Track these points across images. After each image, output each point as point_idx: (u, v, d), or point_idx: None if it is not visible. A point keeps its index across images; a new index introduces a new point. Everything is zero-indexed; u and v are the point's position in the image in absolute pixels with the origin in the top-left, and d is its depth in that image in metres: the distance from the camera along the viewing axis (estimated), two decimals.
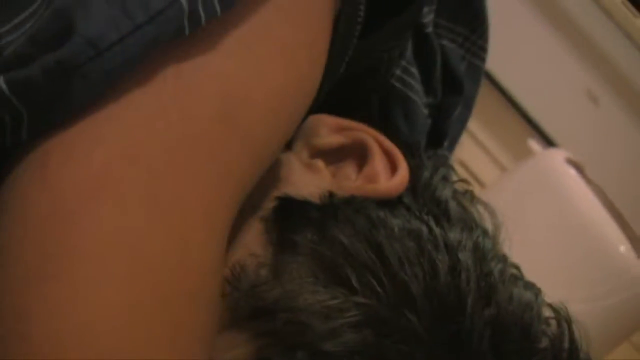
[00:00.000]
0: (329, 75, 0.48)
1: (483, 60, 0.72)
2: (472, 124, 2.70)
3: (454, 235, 0.50)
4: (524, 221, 2.09)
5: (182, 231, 0.38)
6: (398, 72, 0.60)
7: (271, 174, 0.48)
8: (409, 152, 0.56)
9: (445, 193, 0.54)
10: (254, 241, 0.48)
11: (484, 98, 2.53)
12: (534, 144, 2.27)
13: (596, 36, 2.50)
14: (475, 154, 2.76)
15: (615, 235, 1.99)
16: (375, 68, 0.57)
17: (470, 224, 0.52)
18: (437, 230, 0.49)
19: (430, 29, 0.61)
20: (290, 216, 0.48)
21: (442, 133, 0.68)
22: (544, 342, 0.49)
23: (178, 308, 0.38)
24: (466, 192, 0.58)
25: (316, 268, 0.46)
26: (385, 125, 0.59)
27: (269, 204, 0.49)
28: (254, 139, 0.42)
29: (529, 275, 1.87)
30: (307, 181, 0.50)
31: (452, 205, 0.53)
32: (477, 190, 2.22)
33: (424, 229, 0.49)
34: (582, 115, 2.63)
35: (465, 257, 0.49)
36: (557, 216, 2.05)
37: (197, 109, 0.39)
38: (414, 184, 0.53)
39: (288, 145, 0.52)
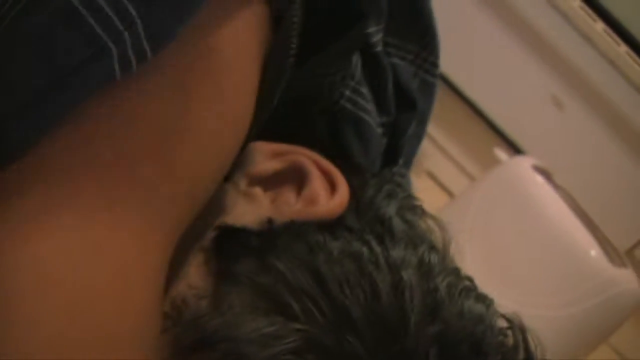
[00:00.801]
0: (264, 106, 0.48)
1: (435, 76, 0.71)
2: (439, 135, 2.74)
3: (397, 253, 0.49)
4: (494, 230, 2.10)
5: (118, 271, 0.38)
6: (348, 92, 0.59)
7: (212, 205, 0.47)
8: (351, 171, 0.55)
9: (389, 210, 0.53)
10: (194, 273, 0.47)
11: (449, 109, 2.56)
12: (501, 153, 2.28)
13: (557, 42, 2.52)
14: (443, 164, 2.76)
15: (586, 240, 2.00)
16: (318, 92, 0.56)
17: (415, 240, 0.51)
18: (378, 249, 0.48)
19: (379, 48, 0.60)
20: (229, 245, 0.47)
21: (398, 151, 0.67)
22: (498, 356, 0.48)
23: (117, 348, 0.38)
24: (415, 207, 0.57)
25: (255, 297, 0.45)
26: (336, 148, 0.58)
27: (210, 235, 0.48)
28: (188, 176, 0.41)
29: (499, 283, 1.87)
30: (246, 210, 0.49)
31: (396, 222, 0.52)
32: (445, 200, 2.23)
33: (365, 249, 0.48)
34: (547, 122, 2.64)
35: (408, 274, 0.47)
36: (526, 224, 2.05)
37: (130, 149, 0.39)
38: (357, 203, 0.52)
39: (228, 176, 0.51)
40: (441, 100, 2.46)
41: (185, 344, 0.44)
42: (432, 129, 2.59)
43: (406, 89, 0.65)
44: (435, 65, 0.69)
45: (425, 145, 2.67)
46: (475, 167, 2.73)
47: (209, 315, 0.44)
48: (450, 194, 2.74)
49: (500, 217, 2.10)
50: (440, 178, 2.79)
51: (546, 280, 2.02)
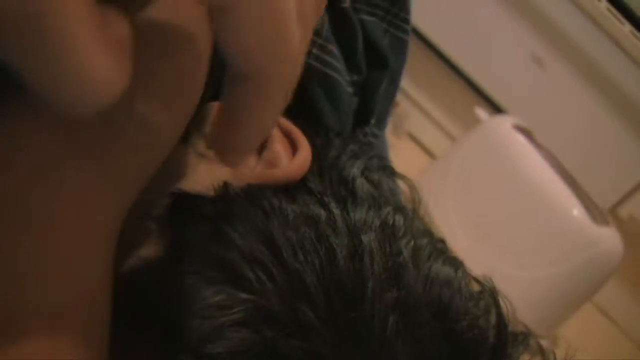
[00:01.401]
0: (222, 64, 0.44)
1: (406, 32, 0.68)
2: (419, 96, 2.73)
3: (358, 215, 0.46)
4: (476, 190, 2.09)
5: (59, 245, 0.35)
6: (315, 50, 0.56)
7: (167, 170, 0.44)
8: (316, 131, 0.53)
9: (353, 171, 0.50)
10: (146, 243, 0.44)
11: (429, 70, 2.54)
12: (481, 112, 2.26)
13: None
14: (424, 126, 2.75)
15: (568, 199, 1.99)
16: None
17: (379, 202, 0.49)
18: (337, 212, 0.45)
19: (347, 4, 0.57)
20: (184, 213, 0.45)
21: (369, 110, 0.65)
22: (466, 321, 0.46)
23: (60, 319, 0.36)
24: (383, 167, 0.54)
25: (207, 267, 0.42)
26: (305, 108, 0.55)
27: (163, 202, 0.45)
28: (136, 144, 0.38)
29: (483, 244, 1.87)
30: (203, 173, 0.46)
31: (360, 183, 0.49)
32: (427, 162, 2.22)
33: (323, 212, 0.45)
34: (528, 80, 2.63)
35: (369, 238, 0.45)
36: (508, 183, 2.04)
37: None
38: (320, 165, 0.49)
39: (185, 138, 0.48)
40: (421, 61, 2.46)
41: (134, 318, 0.42)
42: (412, 90, 2.60)
43: (377, 46, 0.63)
44: (406, 21, 0.67)
45: (406, 106, 2.68)
46: (456, 128, 2.72)
47: (158, 288, 0.42)
48: (431, 155, 2.74)
49: (481, 177, 2.09)
50: (422, 139, 2.78)
51: (528, 240, 2.02)
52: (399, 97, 2.62)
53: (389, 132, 2.26)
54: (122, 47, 0.26)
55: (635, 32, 2.47)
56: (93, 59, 0.24)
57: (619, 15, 2.47)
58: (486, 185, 2.08)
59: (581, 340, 2.39)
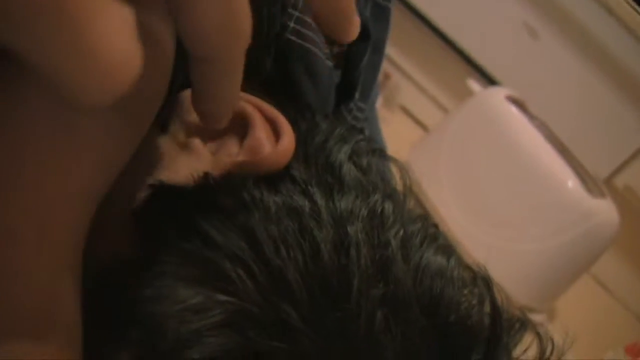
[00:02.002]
0: None
1: None
2: (411, 69, 2.71)
3: (345, 205, 0.44)
4: (470, 163, 2.07)
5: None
6: (291, 24, 0.53)
7: (145, 161, 0.42)
8: (301, 114, 0.50)
9: (340, 157, 0.48)
10: (122, 238, 0.42)
11: (421, 41, 2.52)
12: (474, 84, 2.25)
13: None
14: (416, 98, 2.74)
15: (563, 171, 1.98)
16: (258, 26, 0.50)
17: (368, 188, 0.46)
18: (322, 202, 0.43)
19: None
20: (163, 206, 0.42)
21: (353, 83, 0.62)
22: (460, 312, 0.44)
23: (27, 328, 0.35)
24: (374, 150, 0.52)
25: (183, 265, 0.40)
26: (285, 85, 0.53)
27: (141, 194, 0.43)
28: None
29: (477, 218, 1.85)
30: (183, 164, 0.44)
31: (348, 169, 0.47)
32: (420, 134, 2.21)
33: (307, 203, 0.43)
34: (521, 51, 2.61)
35: (355, 229, 0.42)
36: (502, 155, 2.03)
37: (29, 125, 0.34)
38: (305, 151, 0.47)
39: (164, 128, 0.45)
40: (413, 33, 2.44)
41: (110, 322, 0.40)
42: (404, 63, 2.58)
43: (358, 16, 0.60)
44: None
45: (398, 79, 2.66)
46: (449, 100, 2.71)
47: (134, 288, 0.40)
48: (424, 127, 2.73)
49: (475, 149, 2.08)
50: (414, 112, 2.76)
51: (523, 212, 2.01)
52: (391, 70, 2.60)
53: (381, 105, 2.24)
54: (132, 29, 0.27)
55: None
56: (111, 40, 0.25)
57: None
58: (480, 157, 2.06)
59: (579, 312, 2.39)
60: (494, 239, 1.94)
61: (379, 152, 0.52)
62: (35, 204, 0.34)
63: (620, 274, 2.82)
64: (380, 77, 2.28)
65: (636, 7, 2.44)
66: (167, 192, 0.42)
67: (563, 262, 2.02)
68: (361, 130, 0.56)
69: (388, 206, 0.45)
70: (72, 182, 0.35)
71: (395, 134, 2.47)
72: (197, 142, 0.45)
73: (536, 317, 1.89)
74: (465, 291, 0.45)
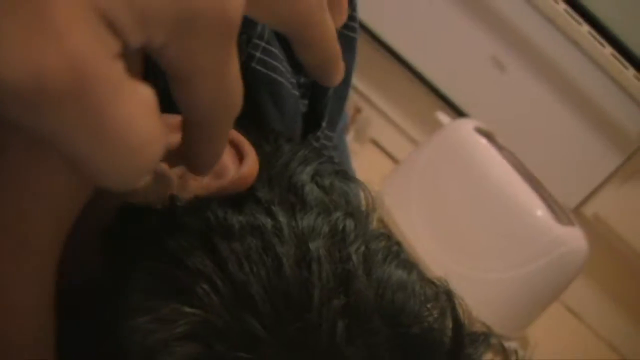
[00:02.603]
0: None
1: (354, 30, 0.67)
2: (381, 102, 2.73)
3: (307, 222, 0.45)
4: (439, 194, 2.09)
5: None
6: (258, 54, 0.55)
7: None
8: (265, 137, 0.52)
9: (303, 177, 0.49)
10: (92, 258, 0.43)
11: (390, 75, 2.54)
12: (443, 116, 2.27)
13: (495, 3, 2.51)
14: (386, 131, 2.76)
15: (532, 200, 2.00)
16: None
17: (329, 207, 0.48)
18: (284, 220, 0.45)
19: None
20: (131, 228, 0.44)
21: (320, 112, 0.64)
22: (422, 324, 0.45)
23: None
24: (337, 172, 0.53)
25: (150, 281, 0.42)
26: (251, 113, 0.55)
27: (109, 217, 0.44)
28: None
29: (448, 248, 1.86)
30: (150, 187, 0.45)
31: (310, 188, 0.48)
32: (390, 167, 2.21)
33: (269, 221, 0.44)
34: (489, 84, 2.64)
35: (317, 245, 0.44)
36: (471, 186, 2.05)
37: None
38: (269, 172, 0.48)
39: None
40: (382, 67, 2.46)
41: (81, 337, 0.41)
42: (374, 96, 2.60)
43: None
44: (353, 18, 0.66)
45: (368, 113, 2.68)
46: (419, 133, 2.73)
47: (104, 305, 0.41)
48: (395, 160, 2.74)
49: (444, 180, 2.09)
50: (385, 145, 2.78)
51: (494, 242, 2.02)
52: (362, 104, 2.62)
53: (352, 139, 2.25)
54: (153, 108, 0.29)
55: (593, 32, 2.49)
56: (134, 123, 0.27)
57: (577, 17, 2.49)
58: (449, 188, 2.08)
59: (551, 340, 2.40)
60: (465, 269, 1.95)
61: (343, 173, 0.54)
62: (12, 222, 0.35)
63: (590, 301, 2.83)
64: (351, 111, 2.29)
65: (602, 40, 2.48)
66: (135, 214, 0.44)
67: (534, 289, 2.03)
68: (323, 153, 0.58)
69: (350, 223, 0.47)
70: (44, 203, 0.36)
71: (367, 166, 2.48)
72: (164, 166, 0.46)
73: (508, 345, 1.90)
74: (429, 305, 0.46)
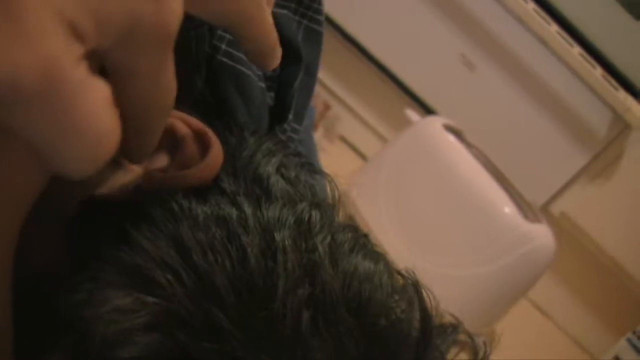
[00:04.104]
0: None
1: (320, 23, 0.67)
2: (350, 100, 2.74)
3: (272, 213, 0.45)
4: (408, 191, 2.09)
5: None
6: (224, 46, 0.55)
7: None
8: (230, 129, 0.51)
9: (268, 169, 0.49)
10: (54, 249, 0.43)
11: (360, 72, 2.55)
12: (412, 114, 2.27)
13: (465, 1, 2.52)
14: (355, 128, 2.76)
15: (500, 197, 2.01)
16: (186, 47, 0.52)
17: (295, 198, 0.48)
18: (249, 211, 0.44)
19: None
20: (94, 219, 0.43)
21: (286, 105, 0.63)
22: (389, 315, 0.45)
23: None
24: (303, 164, 0.53)
25: (116, 272, 0.41)
26: (218, 105, 0.54)
27: (72, 208, 0.44)
28: None
29: (416, 245, 1.86)
30: (115, 179, 0.44)
31: (275, 180, 0.48)
32: (359, 164, 2.22)
33: (234, 212, 0.44)
34: (458, 81, 2.65)
35: (282, 235, 0.44)
36: (439, 183, 2.05)
37: None
38: (233, 164, 0.48)
39: None
40: (352, 64, 2.46)
41: (42, 326, 0.41)
42: (343, 94, 2.60)
43: (289, 40, 0.61)
44: (319, 12, 0.66)
45: (338, 110, 2.68)
46: (388, 130, 2.73)
47: (65, 294, 0.40)
48: (364, 157, 2.74)
49: (413, 177, 2.10)
50: (354, 142, 2.78)
51: (462, 239, 2.03)
52: (331, 101, 2.62)
53: (321, 136, 2.25)
54: (110, 103, 0.32)
55: (562, 32, 2.51)
56: (96, 117, 0.31)
57: (546, 16, 2.51)
58: (418, 185, 2.08)
59: (518, 336, 2.41)
60: (433, 265, 1.95)
61: (308, 165, 0.54)
62: None
63: (557, 298, 2.85)
64: (320, 108, 2.29)
65: (570, 40, 2.50)
66: (98, 205, 0.43)
67: (501, 286, 2.04)
68: (289, 145, 0.57)
69: (315, 214, 0.46)
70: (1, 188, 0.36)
71: (335, 163, 2.48)
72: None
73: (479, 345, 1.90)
74: (396, 296, 0.46)
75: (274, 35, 0.47)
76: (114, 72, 0.34)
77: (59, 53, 0.29)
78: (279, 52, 0.49)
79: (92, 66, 0.32)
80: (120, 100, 0.36)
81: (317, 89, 2.53)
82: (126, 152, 0.41)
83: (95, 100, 0.31)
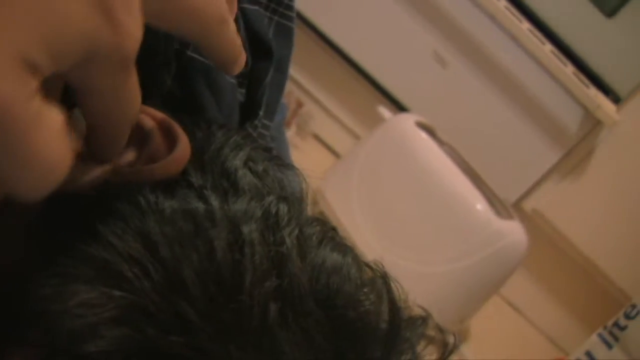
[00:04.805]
0: None
1: (291, 19, 0.67)
2: (323, 97, 2.73)
3: (239, 206, 0.45)
4: (381, 188, 2.09)
5: None
6: None
7: None
8: (198, 124, 0.51)
9: (236, 163, 0.49)
10: (20, 244, 0.43)
11: (332, 70, 2.55)
12: (384, 111, 2.27)
13: None
14: (328, 125, 2.76)
15: (472, 194, 2.01)
16: (154, 42, 0.52)
17: (262, 192, 0.47)
18: (216, 204, 0.44)
19: None
20: (61, 213, 0.43)
21: (257, 101, 0.63)
22: (357, 307, 0.45)
23: None
24: (271, 158, 0.53)
25: (80, 266, 0.41)
26: (188, 101, 0.54)
27: (39, 202, 0.43)
28: None
29: (389, 242, 1.87)
30: (83, 173, 0.44)
31: (243, 173, 0.48)
32: (332, 161, 2.22)
33: (201, 206, 0.44)
34: (430, 78, 2.65)
35: (250, 228, 0.44)
36: (412, 180, 2.06)
37: None
38: (201, 157, 0.48)
39: None
40: (324, 61, 2.46)
41: (9, 322, 0.40)
42: (316, 91, 2.60)
43: (260, 36, 0.61)
44: (290, 8, 0.66)
45: (311, 107, 2.68)
46: (360, 127, 2.74)
47: (32, 289, 0.40)
48: (337, 155, 2.74)
49: (385, 174, 2.10)
50: (326, 140, 2.78)
51: (434, 236, 2.03)
52: (303, 98, 2.61)
53: (293, 133, 2.25)
54: (64, 132, 0.33)
55: (534, 29, 2.52)
56: (48, 147, 0.32)
57: (518, 14, 2.52)
58: (390, 183, 2.09)
59: (490, 332, 2.42)
60: (406, 262, 1.96)
61: (277, 159, 0.54)
62: None
63: (530, 295, 2.87)
64: (292, 105, 2.29)
65: (542, 37, 2.52)
66: (65, 200, 0.43)
67: (474, 283, 2.05)
68: (256, 139, 0.57)
69: (283, 207, 0.47)
70: None
71: (308, 161, 2.49)
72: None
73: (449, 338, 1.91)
74: (365, 289, 0.46)
75: (237, 45, 0.47)
76: (75, 89, 0.36)
77: (13, 92, 0.30)
78: (242, 59, 0.49)
79: (51, 88, 0.33)
80: (83, 113, 0.38)
81: (290, 86, 2.54)
82: (93, 151, 0.42)
83: (48, 132, 0.32)
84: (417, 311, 0.48)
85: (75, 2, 0.33)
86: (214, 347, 0.40)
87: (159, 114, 0.48)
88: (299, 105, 2.57)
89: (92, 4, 0.33)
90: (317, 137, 2.76)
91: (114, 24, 0.34)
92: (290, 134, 2.44)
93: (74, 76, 0.35)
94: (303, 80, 2.64)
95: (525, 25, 2.51)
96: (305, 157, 2.45)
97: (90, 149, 0.41)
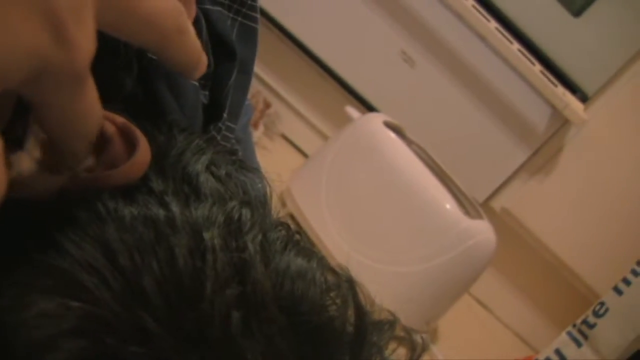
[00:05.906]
0: None
1: (255, 20, 0.66)
2: (290, 97, 2.73)
3: (201, 212, 0.45)
4: (349, 188, 2.09)
5: None
6: None
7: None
8: (159, 128, 0.50)
9: (197, 167, 0.48)
10: None
11: (300, 70, 2.54)
12: (352, 111, 2.27)
13: None
14: (296, 126, 2.76)
15: (441, 194, 2.01)
16: (114, 45, 0.51)
17: (225, 197, 0.47)
18: (177, 211, 0.44)
19: None
20: (18, 221, 0.42)
21: (220, 103, 0.62)
22: (322, 312, 0.44)
23: None
24: (234, 161, 0.52)
25: (37, 276, 0.40)
26: (149, 105, 0.53)
27: None
28: None
29: (358, 242, 1.86)
30: (41, 181, 0.43)
31: (205, 178, 0.48)
32: (301, 161, 2.21)
33: (162, 212, 0.43)
34: (398, 78, 2.65)
35: (212, 234, 0.43)
36: (381, 180, 2.06)
37: None
38: (162, 162, 0.47)
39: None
40: (291, 62, 2.46)
41: None
42: (283, 91, 2.60)
43: (223, 36, 0.61)
44: (253, 8, 0.65)
45: (278, 108, 2.67)
46: (329, 127, 2.73)
47: None
48: (305, 155, 2.74)
49: (354, 174, 2.10)
50: (295, 140, 2.78)
51: (403, 236, 2.03)
52: (271, 99, 2.61)
53: (261, 134, 2.23)
54: (2, 160, 0.34)
55: (501, 29, 2.53)
56: None
57: (485, 13, 2.52)
58: (359, 183, 2.08)
59: (460, 332, 2.43)
60: (375, 262, 1.95)
61: (240, 163, 0.53)
62: None
63: (499, 294, 2.88)
64: (260, 106, 2.27)
65: (509, 36, 2.52)
66: (23, 208, 0.42)
67: (443, 282, 2.05)
68: (219, 142, 0.57)
69: (246, 212, 0.46)
70: None
71: (276, 161, 2.48)
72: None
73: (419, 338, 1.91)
74: (330, 294, 0.45)
75: (197, 51, 0.47)
76: (29, 104, 0.36)
77: None
78: (203, 63, 0.48)
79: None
80: (40, 126, 0.39)
81: (258, 86, 2.52)
82: (53, 161, 0.41)
83: None
84: (384, 314, 0.48)
85: (22, 19, 0.32)
86: (175, 358, 0.39)
87: (119, 119, 0.47)
88: (267, 105, 2.56)
89: (40, 20, 0.32)
90: (285, 138, 2.75)
91: (63, 39, 0.33)
92: (258, 134, 2.43)
93: (25, 92, 0.35)
94: (270, 80, 2.63)
95: (493, 24, 2.51)
96: (273, 158, 2.45)
97: (51, 157, 0.41)
